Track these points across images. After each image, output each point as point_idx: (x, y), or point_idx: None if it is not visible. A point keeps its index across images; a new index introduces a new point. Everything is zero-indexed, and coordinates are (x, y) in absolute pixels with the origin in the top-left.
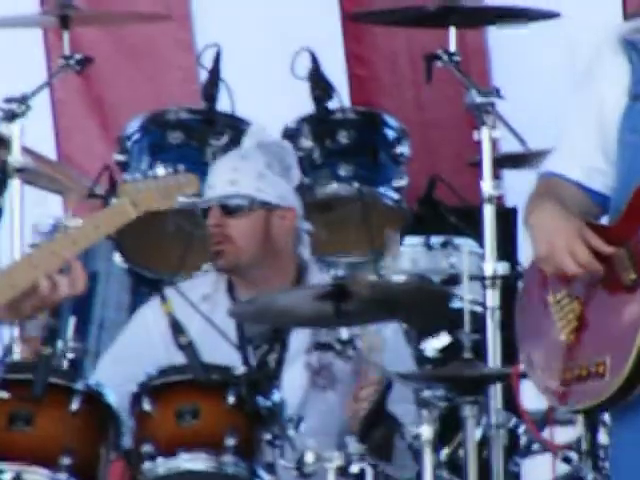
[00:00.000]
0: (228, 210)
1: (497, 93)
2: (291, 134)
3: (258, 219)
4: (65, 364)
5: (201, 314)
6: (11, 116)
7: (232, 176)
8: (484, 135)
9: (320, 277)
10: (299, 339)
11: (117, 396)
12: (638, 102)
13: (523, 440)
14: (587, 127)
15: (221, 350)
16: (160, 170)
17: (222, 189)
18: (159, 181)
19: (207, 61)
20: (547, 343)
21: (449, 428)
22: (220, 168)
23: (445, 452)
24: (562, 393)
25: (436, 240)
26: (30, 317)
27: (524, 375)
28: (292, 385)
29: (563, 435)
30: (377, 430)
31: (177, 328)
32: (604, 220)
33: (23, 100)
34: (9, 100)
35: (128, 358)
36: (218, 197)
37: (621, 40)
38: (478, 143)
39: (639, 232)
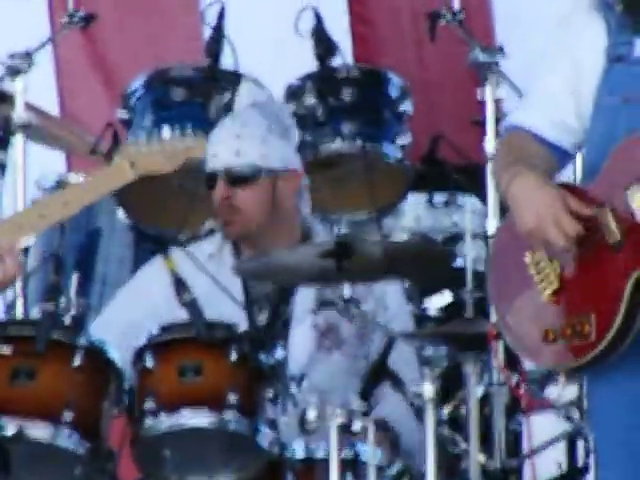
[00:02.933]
0: (234, 180)
1: (501, 51)
2: (294, 92)
3: (264, 187)
4: (68, 320)
5: (207, 273)
6: (14, 72)
7: (235, 145)
8: (487, 94)
9: (324, 235)
10: (304, 299)
11: (119, 351)
12: (616, 64)
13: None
14: (561, 84)
15: (227, 310)
16: (166, 132)
17: (227, 159)
18: (164, 144)
19: (211, 18)
20: (525, 303)
21: (451, 386)
22: (222, 137)
23: (447, 410)
24: (544, 353)
25: (439, 198)
26: None
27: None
28: (298, 345)
29: (565, 393)
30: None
31: (180, 286)
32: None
33: (27, 56)
34: (13, 56)
35: (130, 313)
36: (223, 168)
37: (596, 1)
38: (481, 102)
39: (625, 195)
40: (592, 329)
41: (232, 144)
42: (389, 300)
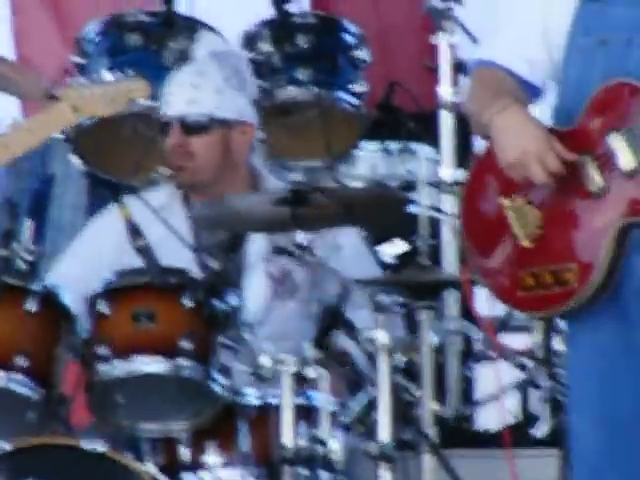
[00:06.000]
0: (188, 128)
1: None
2: (250, 38)
3: (218, 136)
4: (21, 266)
5: (160, 218)
6: None
7: (191, 94)
8: (442, 40)
9: (274, 183)
10: (256, 246)
11: (73, 297)
12: (591, 3)
13: (478, 346)
14: (531, 18)
15: (179, 258)
16: (107, 75)
17: (181, 108)
18: (106, 86)
19: None
20: (503, 249)
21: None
22: (178, 85)
23: (400, 358)
24: (523, 299)
25: (394, 146)
26: None
27: (476, 281)
28: (253, 293)
29: (518, 342)
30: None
31: (135, 232)
32: None
33: None
34: None
35: (84, 260)
36: (178, 116)
37: None
38: (436, 48)
39: (605, 141)
40: (574, 277)
41: (188, 93)
42: (343, 245)
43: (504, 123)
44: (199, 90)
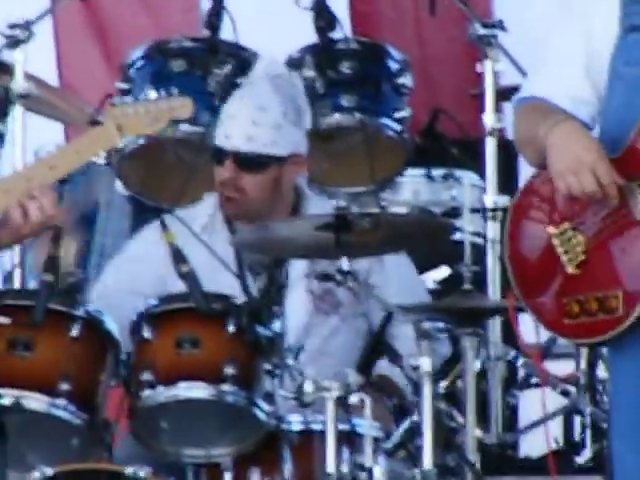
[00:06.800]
0: (242, 164)
1: (500, 25)
2: (294, 64)
3: (272, 173)
4: (66, 291)
5: (202, 242)
6: (14, 42)
7: (250, 131)
8: (487, 68)
9: (320, 205)
10: (298, 265)
11: (116, 319)
12: (631, 34)
13: (521, 373)
14: (574, 55)
15: (221, 280)
16: (152, 93)
17: (239, 143)
18: (150, 104)
19: None
20: (548, 276)
21: (448, 360)
22: (238, 118)
23: (444, 384)
24: (568, 326)
25: (437, 172)
26: (6, 247)
27: (520, 308)
28: (295, 310)
29: (561, 369)
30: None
31: (179, 257)
32: None
33: (26, 26)
34: (12, 26)
35: (125, 282)
36: (235, 151)
37: None
38: (480, 76)
39: None
40: (619, 304)
41: (247, 129)
42: (391, 272)
43: (558, 136)
44: (258, 127)
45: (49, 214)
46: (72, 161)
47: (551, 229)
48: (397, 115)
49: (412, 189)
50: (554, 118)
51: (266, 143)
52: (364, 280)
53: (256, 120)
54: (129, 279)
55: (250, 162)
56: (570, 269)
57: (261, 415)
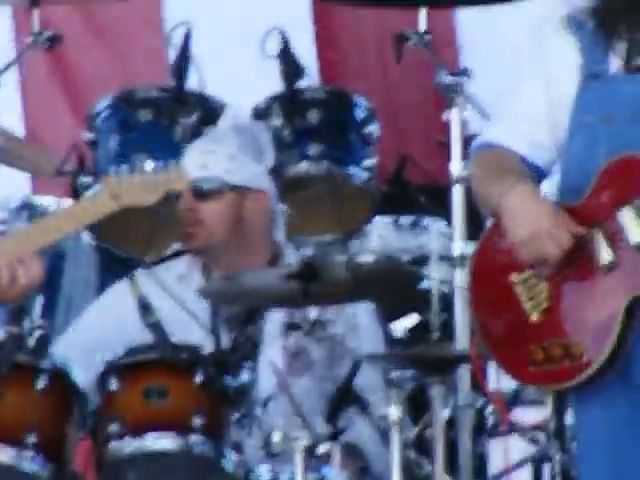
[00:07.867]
0: (199, 193)
1: (466, 73)
2: (261, 113)
3: (229, 202)
4: (32, 343)
5: (173, 296)
6: None
7: (203, 159)
8: (453, 116)
9: (293, 259)
10: (274, 321)
11: (80, 372)
12: (592, 82)
13: (490, 421)
14: (534, 101)
15: (193, 332)
16: (148, 164)
17: (194, 172)
18: (145, 176)
19: (177, 39)
20: (511, 323)
21: (417, 409)
22: (192, 151)
23: (413, 433)
24: (533, 373)
25: (405, 220)
26: None
27: (484, 356)
28: (268, 367)
29: (530, 416)
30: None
31: (145, 308)
32: None
33: None
34: None
35: (92, 334)
36: (189, 181)
37: (568, 19)
38: (447, 123)
39: (615, 214)
40: (584, 351)
41: (200, 158)
42: (360, 321)
43: (512, 204)
44: (211, 155)
45: (37, 280)
46: (65, 227)
47: (514, 277)
48: (364, 163)
49: (380, 237)
50: (508, 181)
51: (219, 171)
52: (331, 330)
53: (208, 150)
54: (98, 330)
55: (205, 190)
56: (534, 316)
57: (229, 466)
